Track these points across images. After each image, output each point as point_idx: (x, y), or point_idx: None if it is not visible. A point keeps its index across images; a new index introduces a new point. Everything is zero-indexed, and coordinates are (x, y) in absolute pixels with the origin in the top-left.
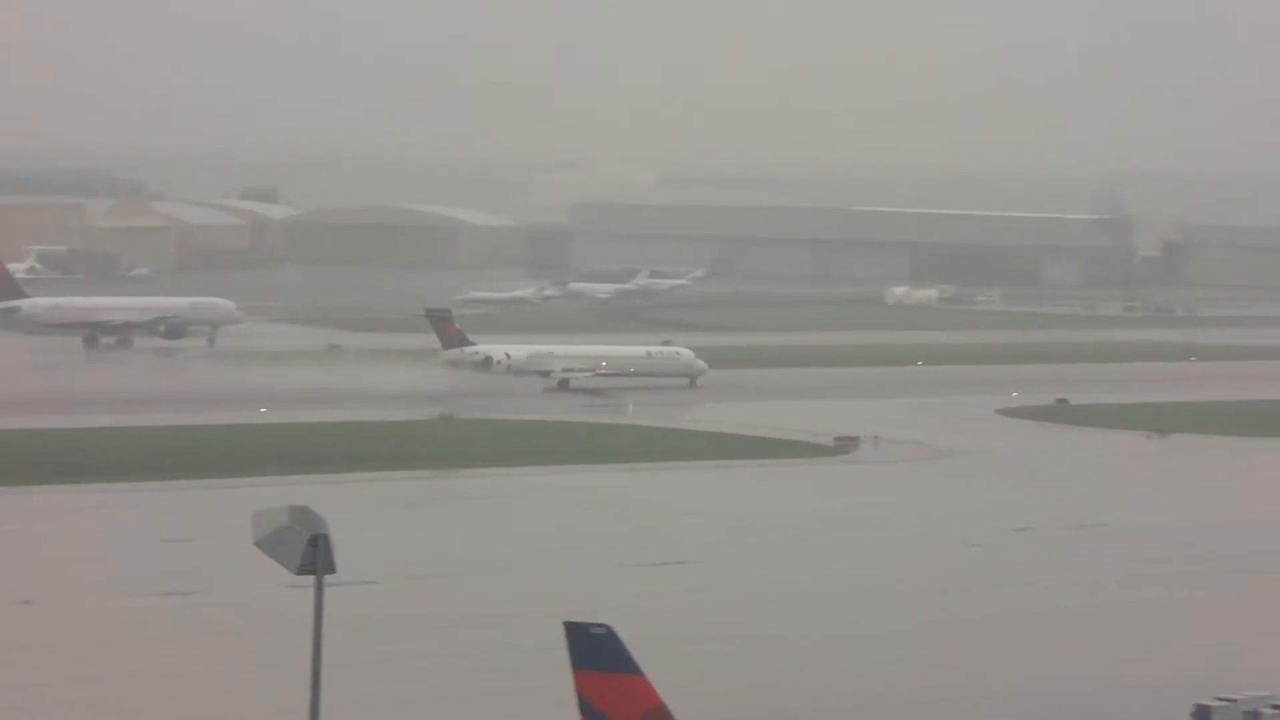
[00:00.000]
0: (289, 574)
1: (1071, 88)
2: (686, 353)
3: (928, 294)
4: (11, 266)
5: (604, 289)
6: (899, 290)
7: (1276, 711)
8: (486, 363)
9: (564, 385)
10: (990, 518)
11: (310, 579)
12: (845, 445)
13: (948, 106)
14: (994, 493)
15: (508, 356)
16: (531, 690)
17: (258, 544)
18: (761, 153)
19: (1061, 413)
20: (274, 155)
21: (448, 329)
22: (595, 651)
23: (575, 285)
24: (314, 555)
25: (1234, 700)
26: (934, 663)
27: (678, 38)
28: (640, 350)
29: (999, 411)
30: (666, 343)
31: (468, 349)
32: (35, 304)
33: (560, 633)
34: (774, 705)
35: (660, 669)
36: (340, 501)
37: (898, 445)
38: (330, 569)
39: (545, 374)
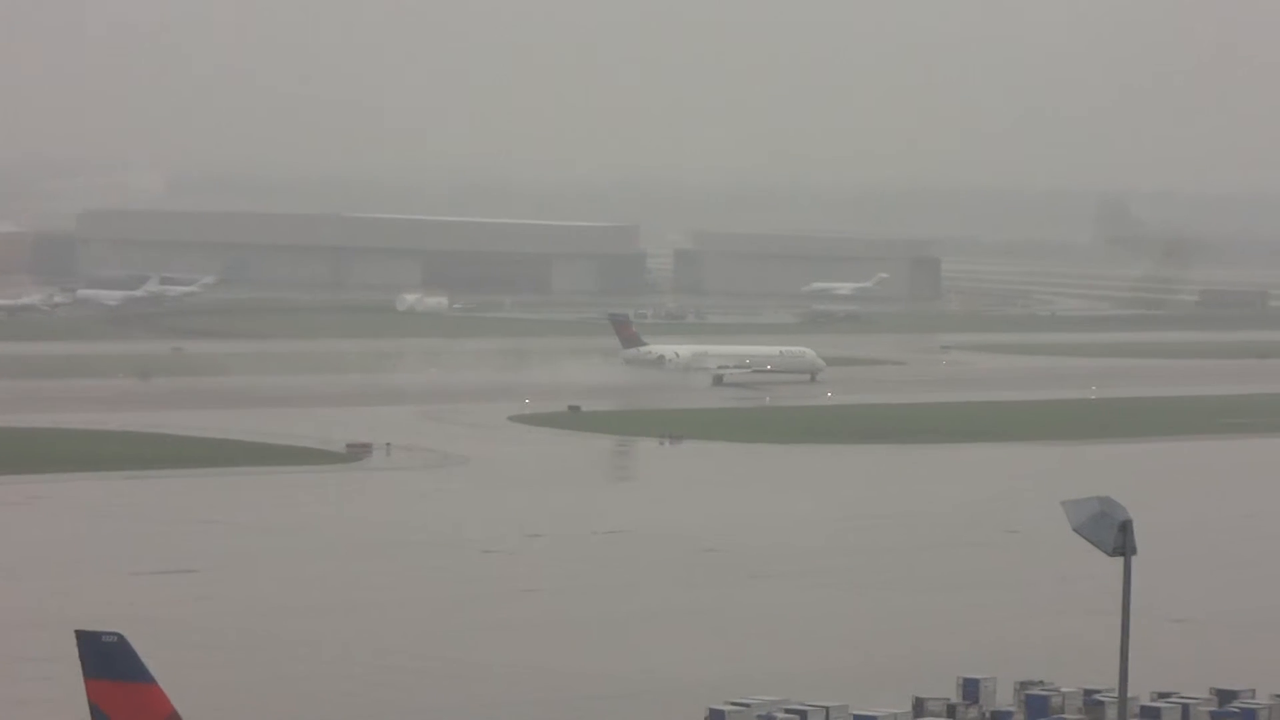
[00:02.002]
0: None
1: (597, 94)
2: (810, 352)
3: (439, 301)
4: None
5: (113, 296)
6: (410, 297)
7: (790, 715)
8: (659, 361)
9: (718, 380)
10: (504, 524)
11: None
12: (358, 452)
13: (456, 113)
14: (507, 499)
15: (677, 355)
16: (43, 699)
17: None
18: (272, 157)
19: (574, 419)
20: None
21: (626, 331)
22: (107, 660)
23: (84, 292)
24: None
25: (747, 705)
26: (448, 671)
27: (183, 37)
28: (775, 350)
29: (511, 418)
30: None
31: (643, 349)
32: None
33: (71, 641)
34: (282, 712)
35: (172, 676)
36: None
37: (410, 452)
38: None
39: (705, 370)
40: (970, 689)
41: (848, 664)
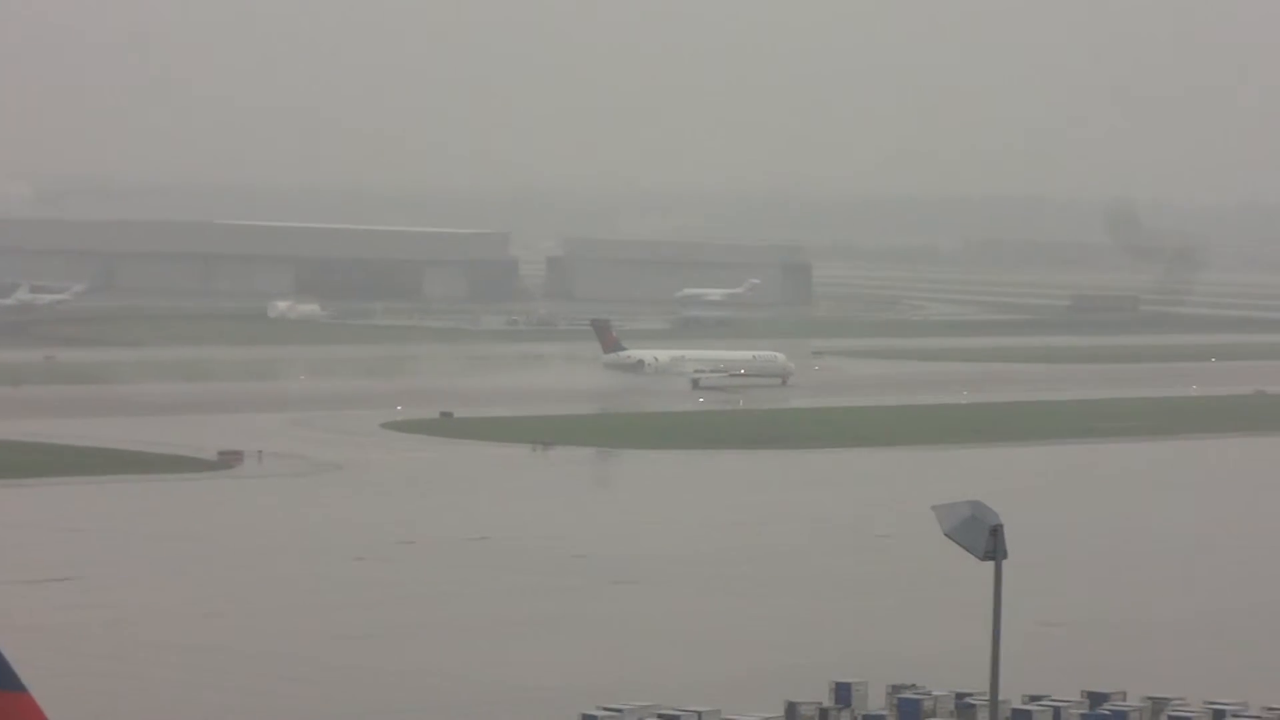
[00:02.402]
0: None
1: (468, 101)
2: (781, 357)
3: (311, 308)
4: None
5: None
6: (282, 304)
7: None
8: (639, 365)
9: (695, 384)
10: (376, 531)
11: None
12: (229, 460)
13: (327, 120)
14: (379, 506)
15: (655, 360)
16: None
17: None
18: (142, 164)
19: (446, 426)
20: None
21: (608, 337)
22: None
23: None
24: None
25: (620, 710)
26: (320, 677)
27: (50, 42)
28: (748, 355)
29: (384, 425)
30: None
31: (622, 353)
32: None
33: None
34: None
35: (46, 686)
36: None
37: (282, 459)
38: None
39: (682, 375)
40: (843, 693)
41: (720, 669)
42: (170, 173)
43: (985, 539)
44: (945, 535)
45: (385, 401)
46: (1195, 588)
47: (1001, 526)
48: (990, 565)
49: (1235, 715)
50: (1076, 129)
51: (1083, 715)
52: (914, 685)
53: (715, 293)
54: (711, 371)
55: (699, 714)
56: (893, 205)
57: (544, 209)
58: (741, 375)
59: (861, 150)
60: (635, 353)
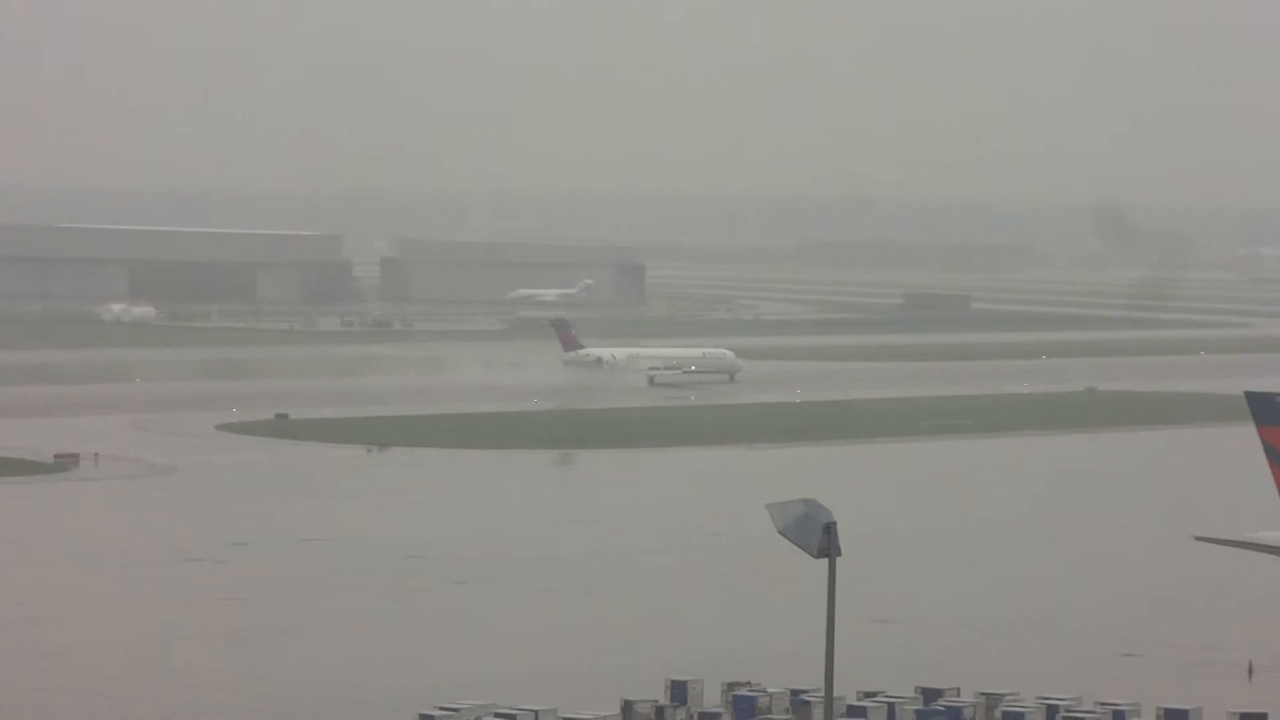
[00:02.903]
0: None
1: (300, 103)
2: (729, 354)
3: (145, 310)
4: None
5: None
6: (116, 307)
7: (499, 719)
8: (598, 363)
9: (651, 381)
10: (210, 533)
11: None
12: (65, 463)
13: (160, 121)
14: (214, 508)
15: (614, 357)
16: None
17: None
18: None
19: (282, 427)
20: None
21: (567, 336)
22: None
23: None
24: None
25: (456, 710)
26: (154, 677)
27: None
28: (698, 352)
29: (219, 427)
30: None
31: (581, 352)
32: None
33: None
34: None
35: None
36: None
37: (118, 462)
38: None
39: (638, 371)
40: (679, 691)
41: (556, 668)
42: (3, 175)
43: (819, 536)
44: (779, 533)
45: (220, 404)
46: (1024, 585)
47: (835, 524)
48: (824, 562)
49: (1068, 711)
50: (905, 129)
51: (917, 711)
52: (749, 682)
53: (549, 293)
54: (665, 369)
55: (535, 713)
56: (726, 206)
57: (377, 211)
58: (693, 372)
59: (695, 151)
60: (594, 351)
